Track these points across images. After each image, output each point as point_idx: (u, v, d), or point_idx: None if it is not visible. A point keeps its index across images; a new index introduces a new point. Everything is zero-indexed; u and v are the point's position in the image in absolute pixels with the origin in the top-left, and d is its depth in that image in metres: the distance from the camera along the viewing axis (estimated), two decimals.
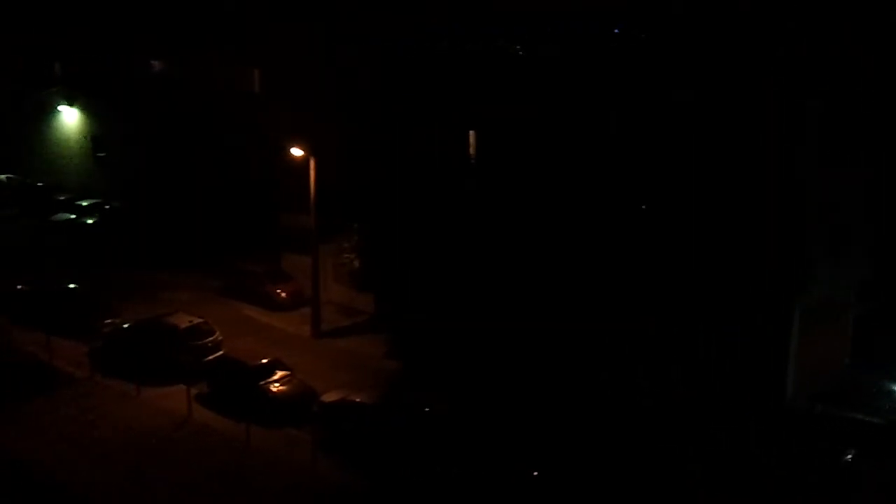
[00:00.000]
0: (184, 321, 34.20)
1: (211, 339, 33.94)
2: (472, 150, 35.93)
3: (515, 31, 36.37)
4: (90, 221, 50.24)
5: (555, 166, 33.11)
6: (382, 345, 35.67)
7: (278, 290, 40.36)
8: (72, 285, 38.72)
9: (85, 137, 56.30)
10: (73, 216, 51.20)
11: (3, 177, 57.65)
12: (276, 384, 30.55)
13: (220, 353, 33.39)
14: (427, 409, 28.37)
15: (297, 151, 36.60)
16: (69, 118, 57.05)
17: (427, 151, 36.68)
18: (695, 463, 26.55)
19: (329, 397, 29.43)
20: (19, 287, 39.22)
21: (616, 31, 33.66)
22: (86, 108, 56.17)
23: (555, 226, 32.69)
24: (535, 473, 25.58)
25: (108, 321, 36.46)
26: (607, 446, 27.28)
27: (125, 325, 35.36)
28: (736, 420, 28.47)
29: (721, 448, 27.26)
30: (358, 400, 28.68)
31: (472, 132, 35.92)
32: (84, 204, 52.08)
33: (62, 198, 54.09)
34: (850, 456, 26.41)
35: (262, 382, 30.40)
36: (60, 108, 57.09)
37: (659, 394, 29.72)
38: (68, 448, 28.19)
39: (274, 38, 49.14)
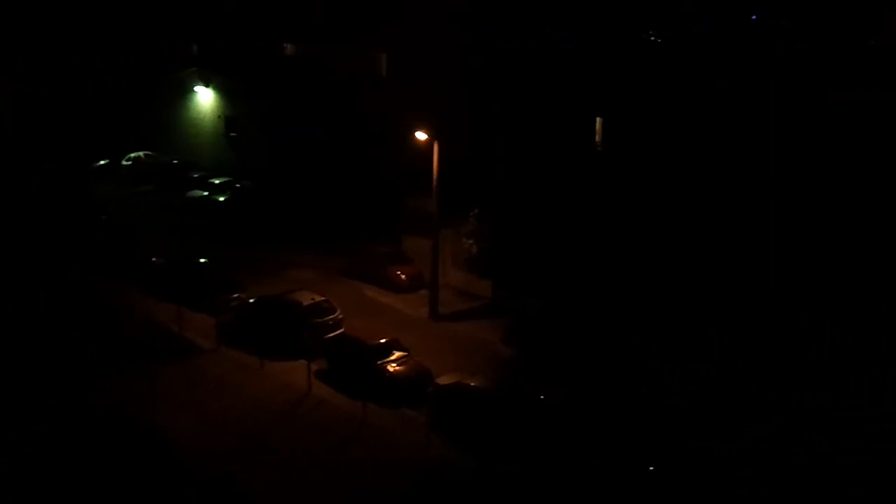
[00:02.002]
0: (307, 299, 34.97)
1: (332, 317, 34.60)
2: (598, 138, 35.46)
3: (648, 17, 35.66)
4: (221, 199, 51.90)
5: (681, 154, 32.34)
6: (499, 330, 35.61)
7: (398, 273, 40.80)
8: (202, 260, 40.14)
9: (218, 117, 58.19)
10: (206, 193, 53.00)
11: (141, 154, 60.08)
12: (394, 364, 30.93)
13: (341, 331, 33.97)
14: (542, 397, 28.22)
15: (421, 135, 36.84)
16: (204, 98, 59.06)
17: (551, 138, 36.39)
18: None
19: (444, 380, 29.58)
20: (153, 260, 40.90)
21: (753, 17, 32.57)
22: (220, 89, 58.04)
23: (682, 216, 31.94)
24: (651, 468, 25.11)
25: (235, 296, 37.58)
26: (727, 442, 26.54)
27: (251, 301, 36.41)
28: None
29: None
30: (472, 384, 28.72)
31: (599, 119, 35.44)
32: (216, 182, 53.83)
33: (196, 175, 56.05)
34: None
35: (379, 362, 30.83)
36: (196, 88, 59.14)
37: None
38: (194, 415, 29.28)
39: (401, 23, 49.62)
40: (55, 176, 57.95)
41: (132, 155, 59.99)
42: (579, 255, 34.29)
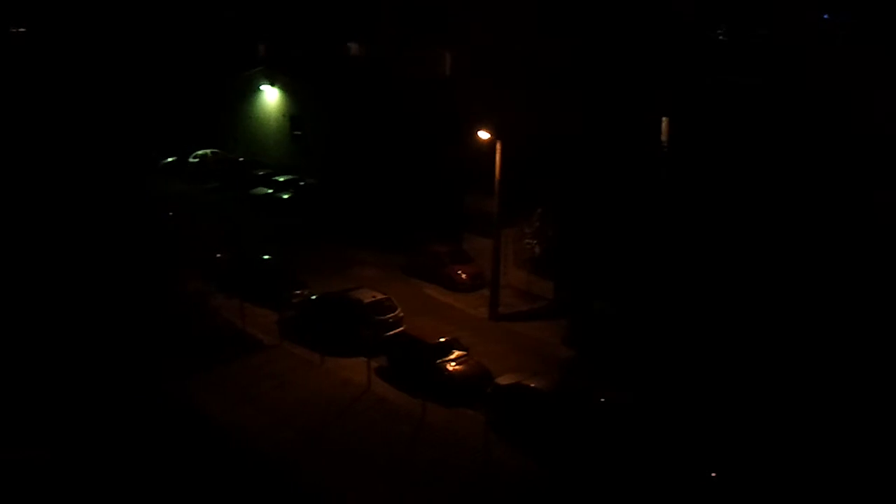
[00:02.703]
0: (368, 296, 35.19)
1: (392, 315, 34.75)
2: (664, 138, 34.98)
3: (717, 14, 35.09)
4: (285, 196, 52.52)
5: (750, 154, 31.73)
6: (560, 331, 35.38)
7: (459, 272, 40.80)
8: (266, 257, 40.66)
9: (283, 116, 58.90)
10: (270, 191, 53.70)
11: (207, 151, 61.11)
12: (453, 363, 30.92)
13: (401, 329, 34.12)
14: (603, 400, 27.94)
15: (483, 134, 36.77)
16: (270, 97, 59.84)
17: (616, 138, 36.02)
18: None
19: (503, 380, 29.46)
20: (219, 256, 41.56)
21: (825, 16, 31.83)
22: (285, 88, 58.75)
23: (751, 217, 31.31)
24: (714, 475, 24.68)
25: (298, 292, 38.00)
26: (796, 450, 25.94)
27: (313, 297, 36.76)
28: None
29: None
30: (532, 385, 28.55)
31: (665, 119, 34.97)
32: (280, 179, 54.52)
33: (261, 173, 56.88)
34: None
35: (439, 360, 30.85)
36: (262, 87, 59.96)
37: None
38: (255, 409, 29.68)
39: (467, 22, 49.62)
40: (125, 172, 59.21)
41: (199, 152, 61.06)
42: (644, 256, 33.86)
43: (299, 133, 57.85)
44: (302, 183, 53.56)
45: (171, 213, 49.76)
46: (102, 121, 63.98)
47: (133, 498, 24.87)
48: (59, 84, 65.90)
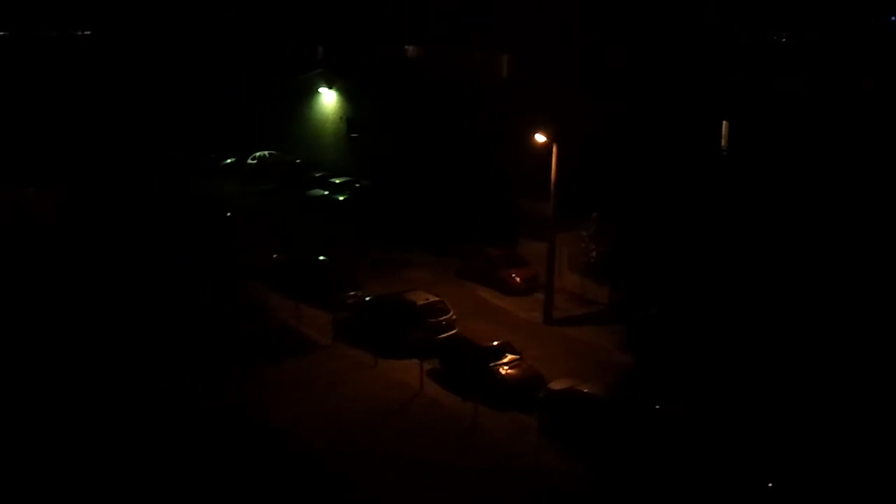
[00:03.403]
0: (421, 298, 35.18)
1: (445, 317, 34.70)
2: (724, 142, 34.42)
3: (781, 17, 34.46)
4: (341, 198, 52.87)
5: (810, 158, 31.04)
6: (614, 337, 34.99)
7: (513, 275, 40.60)
8: (321, 258, 40.92)
9: (340, 119, 59.35)
10: (326, 192, 54.12)
11: (265, 153, 61.82)
12: (506, 367, 30.75)
13: (454, 331, 34.04)
14: (657, 407, 27.51)
15: (540, 137, 36.56)
16: (327, 100, 60.33)
17: (675, 142, 35.55)
18: None
19: (557, 385, 29.22)
20: (275, 256, 41.95)
21: (893, 18, 31.03)
22: (343, 91, 59.19)
23: (813, 221, 30.62)
24: (770, 485, 24.15)
25: (352, 293, 38.14)
26: (854, 462, 25.28)
27: (367, 299, 36.88)
28: None
29: None
30: (586, 390, 28.25)
31: (725, 122, 34.40)
32: (336, 181, 54.91)
33: (317, 175, 57.36)
34: None
35: (491, 364, 30.70)
36: (320, 90, 60.48)
37: None
38: (307, 409, 29.81)
39: (525, 25, 49.46)
40: (185, 173, 60.22)
41: (257, 154, 61.81)
42: (702, 261, 33.33)
43: (355, 135, 58.21)
44: (357, 185, 53.88)
45: (228, 214, 50.41)
46: (164, 122, 65.18)
47: (187, 492, 25.17)
48: (122, 86, 67.27)
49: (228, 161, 62.65)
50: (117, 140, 63.41)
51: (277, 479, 25.83)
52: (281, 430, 28.43)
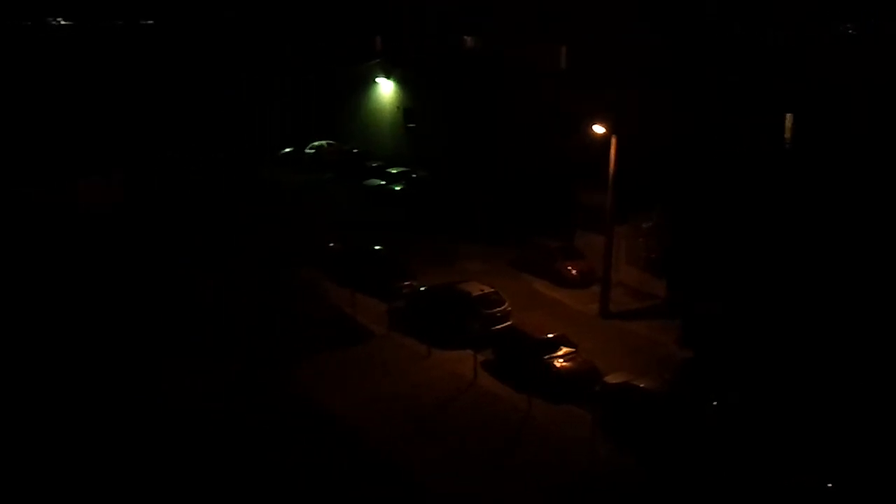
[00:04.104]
0: (476, 289, 35.05)
1: (500, 308, 34.52)
2: (787, 135, 33.64)
3: (845, 8, 33.52)
4: (397, 188, 52.95)
5: (878, 152, 30.17)
6: (672, 332, 34.49)
7: (569, 267, 40.26)
8: (377, 247, 41.02)
9: (398, 109, 59.38)
10: (383, 182, 54.24)
11: (323, 143, 62.21)
12: (561, 360, 30.48)
13: (508, 323, 33.86)
14: (715, 403, 27.04)
15: (598, 129, 36.12)
16: (385, 90, 60.41)
17: (737, 134, 34.84)
18: None
19: (612, 379, 28.92)
20: (331, 245, 42.17)
21: None
22: (400, 81, 59.20)
23: (879, 217, 29.78)
24: (830, 485, 23.58)
25: (407, 283, 38.17)
26: None
27: (422, 289, 36.88)
28: None
29: None
30: (641, 385, 27.89)
31: (789, 115, 33.61)
32: (393, 171, 55.01)
33: (374, 165, 57.56)
34: None
35: (546, 356, 30.47)
36: (378, 80, 60.57)
37: None
38: (362, 397, 29.89)
39: (584, 15, 48.91)
40: (243, 163, 60.87)
41: (315, 143, 62.22)
42: (763, 257, 32.63)
43: (412, 125, 58.21)
44: (414, 175, 53.89)
45: (286, 203, 50.96)
46: (224, 111, 65.91)
47: (244, 473, 25.43)
48: (182, 76, 68.14)
49: (287, 150, 63.17)
50: (179, 130, 64.25)
51: (325, 462, 25.95)
52: (332, 415, 28.54)
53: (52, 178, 50.08)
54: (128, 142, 59.91)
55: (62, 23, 71.87)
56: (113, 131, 60.43)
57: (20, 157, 53.61)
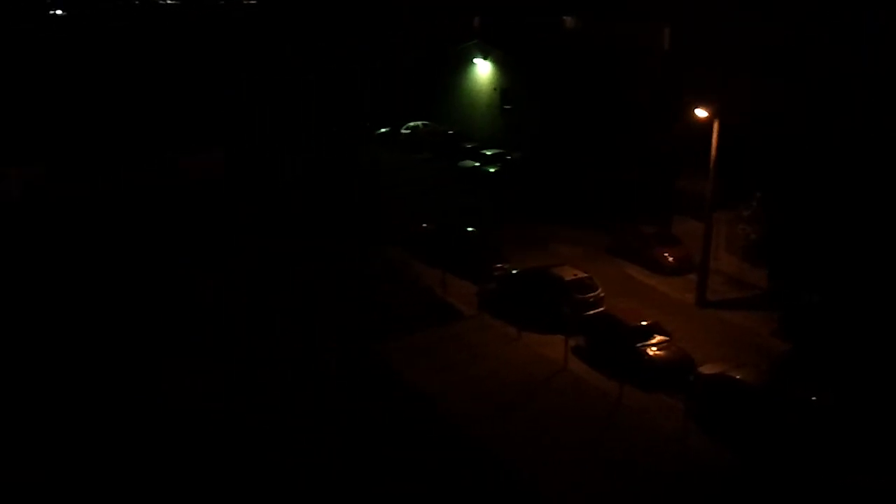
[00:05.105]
0: (569, 274, 34.57)
1: (593, 294, 33.98)
2: None
3: None
4: (492, 170, 52.61)
5: None
6: (771, 323, 33.38)
7: (666, 254, 39.32)
8: (470, 229, 40.84)
9: (494, 90, 58.93)
10: (477, 164, 53.97)
11: (419, 123, 62.24)
12: (654, 348, 29.83)
13: (601, 309, 33.32)
14: (814, 398, 26.03)
15: (700, 113, 35.04)
16: (482, 71, 60.01)
17: (850, 121, 33.38)
18: None
19: (707, 369, 28.13)
20: (424, 226, 42.19)
21: None
22: (498, 62, 58.70)
23: None
24: None
25: (499, 266, 37.91)
26: None
27: (514, 272, 36.56)
28: None
29: None
30: (738, 377, 27.05)
31: None
32: (488, 153, 54.68)
33: (469, 146, 57.30)
34: None
35: (639, 344, 29.85)
36: (475, 61, 60.21)
37: None
38: (451, 378, 29.85)
39: None
40: (339, 142, 61.40)
41: (411, 124, 62.30)
42: (869, 248, 31.25)
43: (509, 107, 57.72)
44: (508, 157, 53.47)
45: (381, 182, 51.18)
46: (324, 90, 66.59)
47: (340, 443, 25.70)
48: (287, 54, 69.03)
49: (383, 130, 63.47)
50: (283, 109, 65.15)
51: (411, 439, 26.06)
52: (420, 394, 28.59)
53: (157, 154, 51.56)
54: (232, 121, 61.04)
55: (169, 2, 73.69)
56: (217, 111, 61.72)
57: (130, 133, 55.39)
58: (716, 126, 34.17)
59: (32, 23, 68.54)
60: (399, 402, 28.41)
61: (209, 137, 55.60)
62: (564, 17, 59.11)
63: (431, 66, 64.48)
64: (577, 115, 51.00)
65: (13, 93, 58.42)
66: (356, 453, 25.50)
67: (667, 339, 30.43)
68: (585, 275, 34.75)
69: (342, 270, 39.04)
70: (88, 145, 52.01)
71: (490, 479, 24.48)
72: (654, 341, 30.09)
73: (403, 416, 27.52)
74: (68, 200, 46.11)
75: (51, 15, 72.64)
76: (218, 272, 38.58)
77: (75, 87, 60.75)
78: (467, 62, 61.00)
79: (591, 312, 32.95)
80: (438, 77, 63.87)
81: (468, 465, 25.09)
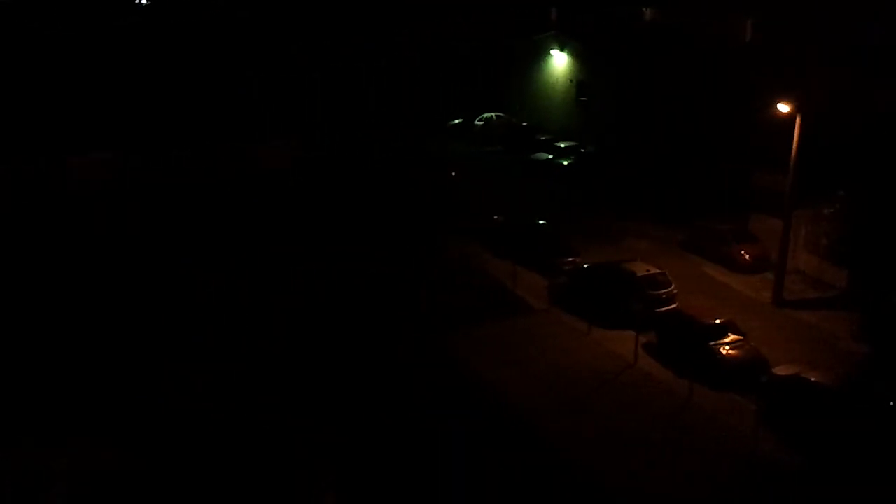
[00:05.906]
0: (641, 269, 34.10)
1: (666, 290, 33.45)
2: None
3: None
4: (565, 163, 52.17)
5: None
6: (851, 325, 32.43)
7: (742, 251, 38.48)
8: (541, 222, 40.59)
9: (570, 82, 58.41)
10: (551, 157, 53.56)
11: (492, 115, 62.04)
12: (727, 347, 29.23)
13: (673, 306, 32.80)
14: (893, 403, 25.18)
15: (782, 107, 34.14)
16: (558, 62, 59.52)
17: None
18: None
19: (781, 370, 27.44)
20: (495, 218, 42.06)
21: None
22: (575, 54, 58.14)
23: None
24: None
25: (570, 259, 37.59)
26: None
27: (585, 266, 36.23)
28: None
29: None
30: (814, 379, 26.32)
31: None
32: (561, 146, 54.22)
33: (542, 138, 56.91)
34: None
35: (712, 342, 29.28)
36: (552, 52, 59.73)
37: None
38: (517, 370, 29.72)
39: None
40: (413, 133, 61.53)
41: (484, 115, 62.14)
42: None
43: (584, 99, 57.15)
44: (582, 150, 52.96)
45: (453, 174, 51.09)
46: (398, 81, 66.81)
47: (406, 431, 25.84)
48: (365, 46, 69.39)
49: (456, 121, 63.43)
50: (355, 100, 65.60)
51: (476, 430, 25.98)
52: (487, 386, 28.50)
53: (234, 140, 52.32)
54: (305, 110, 61.66)
55: None
56: (293, 100, 62.47)
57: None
58: (798, 121, 33.28)
59: (118, 11, 70.03)
60: (460, 385, 28.39)
61: (279, 128, 56.27)
62: (644, 9, 58.19)
63: (506, 57, 64.14)
64: (653, 108, 50.20)
65: (94, 80, 59.97)
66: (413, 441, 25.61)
67: (741, 338, 29.80)
68: (658, 270, 34.24)
69: (411, 263, 39.07)
70: (162, 133, 53.12)
71: (556, 475, 24.29)
72: (727, 340, 29.49)
73: (462, 400, 27.53)
74: (149, 187, 46.95)
75: (136, 4, 74.12)
76: (304, 259, 39.01)
77: (144, 74, 62.17)
78: (543, 54, 60.56)
79: (664, 309, 32.46)
80: (514, 68, 63.55)
81: (523, 452, 24.97)
